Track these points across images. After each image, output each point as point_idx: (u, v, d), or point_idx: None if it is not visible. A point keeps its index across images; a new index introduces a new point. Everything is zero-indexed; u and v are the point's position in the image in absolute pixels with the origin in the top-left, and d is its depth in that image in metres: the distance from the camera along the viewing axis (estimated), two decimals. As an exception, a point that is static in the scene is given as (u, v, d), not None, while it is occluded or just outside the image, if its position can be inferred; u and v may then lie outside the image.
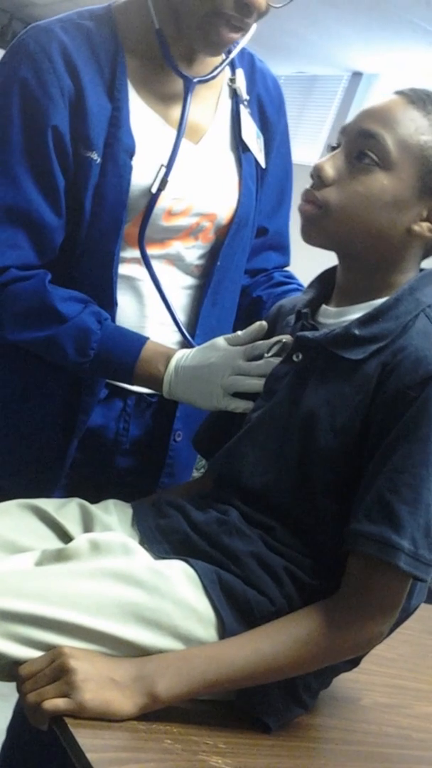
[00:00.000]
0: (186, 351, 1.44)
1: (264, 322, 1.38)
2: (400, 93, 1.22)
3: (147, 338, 1.46)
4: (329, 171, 1.21)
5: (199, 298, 1.58)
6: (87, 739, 0.97)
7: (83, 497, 1.35)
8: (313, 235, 1.24)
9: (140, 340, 1.46)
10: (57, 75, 1.40)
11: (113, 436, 1.57)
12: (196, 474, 1.88)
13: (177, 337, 1.56)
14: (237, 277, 1.64)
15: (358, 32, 5.32)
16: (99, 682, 1.01)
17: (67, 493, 1.52)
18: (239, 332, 1.39)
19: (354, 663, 1.25)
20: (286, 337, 1.31)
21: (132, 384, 1.49)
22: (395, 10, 4.79)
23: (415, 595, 1.20)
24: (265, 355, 1.32)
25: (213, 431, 1.44)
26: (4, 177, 1.41)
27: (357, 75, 6.19)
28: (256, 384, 1.31)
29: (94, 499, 1.35)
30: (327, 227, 1.22)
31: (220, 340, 1.40)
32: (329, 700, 1.27)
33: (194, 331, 1.58)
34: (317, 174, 1.22)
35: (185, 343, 1.56)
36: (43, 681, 1.01)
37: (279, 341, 1.32)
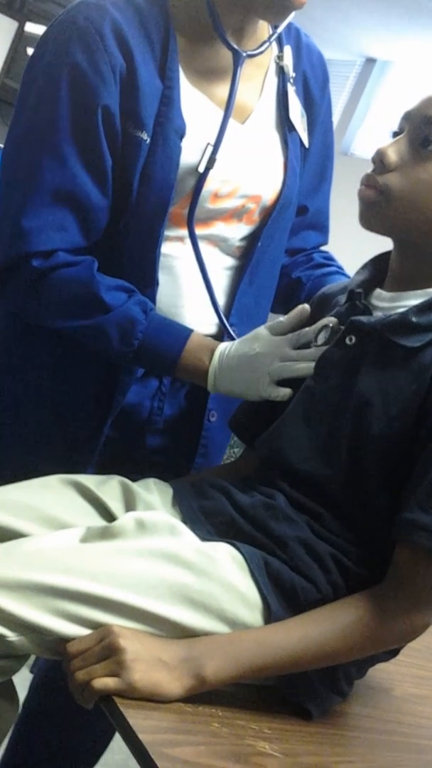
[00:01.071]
0: (228, 343, 1.42)
1: (307, 306, 1.37)
2: None
3: (191, 330, 1.45)
4: (392, 156, 1.20)
5: (237, 279, 1.57)
6: (138, 720, 0.96)
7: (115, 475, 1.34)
8: (373, 220, 1.23)
9: (185, 332, 1.44)
10: (109, 53, 1.37)
11: (147, 414, 1.55)
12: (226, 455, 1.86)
13: (214, 318, 1.54)
14: (277, 257, 1.62)
15: (374, 18, 5.30)
16: (149, 663, 1.00)
17: (98, 470, 1.51)
18: (281, 318, 1.38)
19: (393, 653, 1.24)
20: (331, 320, 1.29)
21: (174, 376, 1.48)
22: (416, -2, 4.77)
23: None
24: (313, 343, 1.31)
25: (252, 413, 1.42)
26: (51, 158, 1.38)
27: (371, 61, 6.16)
28: (305, 368, 1.29)
29: (126, 478, 1.34)
30: (387, 213, 1.21)
31: (263, 330, 1.38)
32: (363, 689, 1.27)
33: (230, 310, 1.56)
34: (380, 159, 1.20)
35: (222, 325, 1.54)
36: (91, 659, 1.00)
37: (325, 326, 1.30)
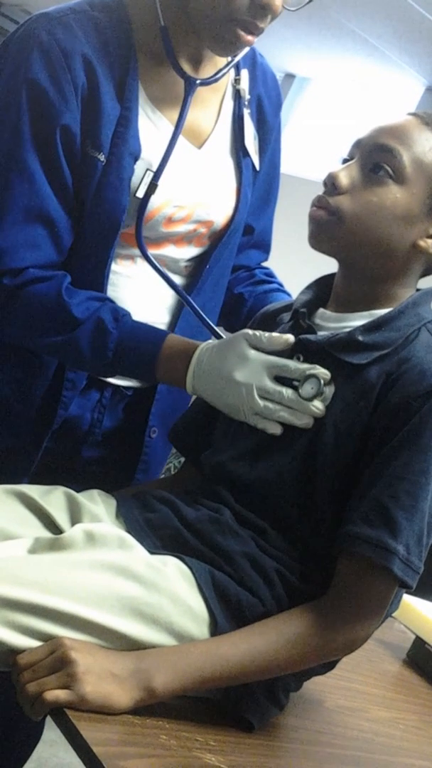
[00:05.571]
0: (204, 350, 1.35)
1: (291, 337, 1.28)
2: (414, 115, 1.27)
3: (166, 334, 1.41)
4: (344, 179, 1.24)
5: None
6: (90, 732, 0.97)
7: (51, 485, 1.33)
8: (322, 240, 1.26)
9: (158, 338, 1.40)
10: (72, 71, 1.36)
11: (87, 427, 1.55)
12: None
13: None
14: (223, 276, 1.64)
15: (297, 35, 5.38)
16: (99, 675, 1.01)
17: (33, 480, 1.50)
18: (263, 336, 1.29)
19: (330, 666, 1.27)
20: (322, 373, 1.22)
21: (157, 382, 1.49)
22: (337, 18, 4.86)
23: (393, 603, 1.23)
24: (301, 393, 1.22)
25: (193, 427, 1.44)
26: (19, 176, 1.38)
27: (289, 77, 6.24)
28: (288, 418, 1.23)
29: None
30: (337, 234, 1.24)
31: (243, 342, 1.29)
32: (297, 701, 1.29)
33: (173, 329, 1.57)
34: (331, 182, 1.24)
35: None
36: (42, 671, 1.00)
37: (314, 376, 1.22)
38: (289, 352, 1.27)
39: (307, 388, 1.22)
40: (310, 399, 1.21)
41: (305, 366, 1.24)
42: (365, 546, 1.12)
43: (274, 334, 1.30)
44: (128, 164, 1.41)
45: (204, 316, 1.51)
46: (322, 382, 1.22)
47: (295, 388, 1.23)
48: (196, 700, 1.13)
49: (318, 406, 1.21)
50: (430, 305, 1.28)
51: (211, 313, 1.63)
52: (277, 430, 1.24)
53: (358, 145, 1.27)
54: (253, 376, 1.26)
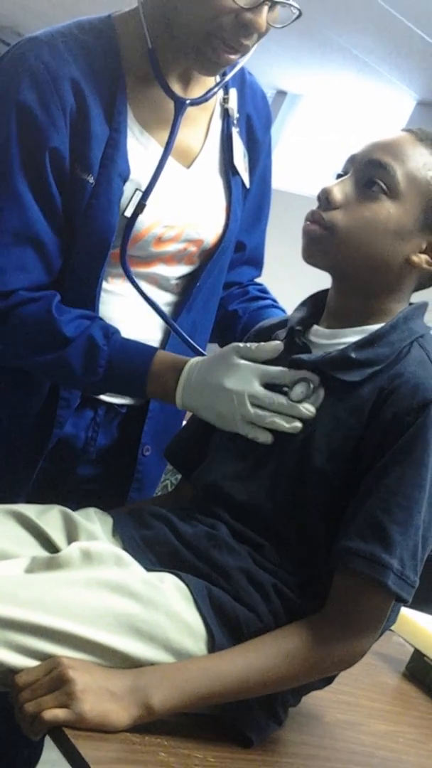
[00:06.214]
0: (195, 363, 1.37)
1: (281, 343, 1.31)
2: (408, 131, 1.27)
3: (155, 350, 1.43)
4: (338, 194, 1.25)
5: (174, 314, 1.58)
6: (88, 751, 0.97)
7: (46, 503, 1.34)
8: (316, 255, 1.27)
9: (148, 354, 1.42)
10: (60, 95, 1.37)
11: (82, 445, 1.56)
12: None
13: None
14: (214, 294, 1.64)
15: (287, 51, 5.41)
16: (97, 693, 1.01)
17: (29, 499, 1.51)
18: (252, 346, 1.32)
19: (328, 680, 1.27)
20: (311, 377, 1.25)
21: (147, 398, 1.49)
22: (328, 34, 4.89)
23: (391, 617, 1.23)
24: (290, 393, 1.25)
25: (189, 443, 1.44)
26: (8, 199, 1.39)
27: (281, 93, 6.28)
28: (281, 425, 1.24)
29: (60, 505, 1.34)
30: (330, 248, 1.25)
31: (233, 354, 1.32)
32: (296, 716, 1.29)
33: (164, 346, 1.57)
34: (325, 196, 1.25)
35: None
36: (40, 691, 1.01)
37: (304, 379, 1.25)
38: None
39: (297, 391, 1.25)
40: (300, 401, 1.24)
41: (294, 371, 1.26)
42: (359, 561, 1.13)
43: (263, 343, 1.32)
44: (117, 186, 1.42)
45: (184, 335, 1.53)
46: (311, 385, 1.24)
47: (286, 394, 1.25)
48: (195, 717, 1.13)
49: (308, 407, 1.23)
50: (422, 319, 1.28)
51: (203, 329, 1.64)
52: (267, 438, 1.25)
53: (353, 160, 1.28)
54: (243, 384, 1.28)
